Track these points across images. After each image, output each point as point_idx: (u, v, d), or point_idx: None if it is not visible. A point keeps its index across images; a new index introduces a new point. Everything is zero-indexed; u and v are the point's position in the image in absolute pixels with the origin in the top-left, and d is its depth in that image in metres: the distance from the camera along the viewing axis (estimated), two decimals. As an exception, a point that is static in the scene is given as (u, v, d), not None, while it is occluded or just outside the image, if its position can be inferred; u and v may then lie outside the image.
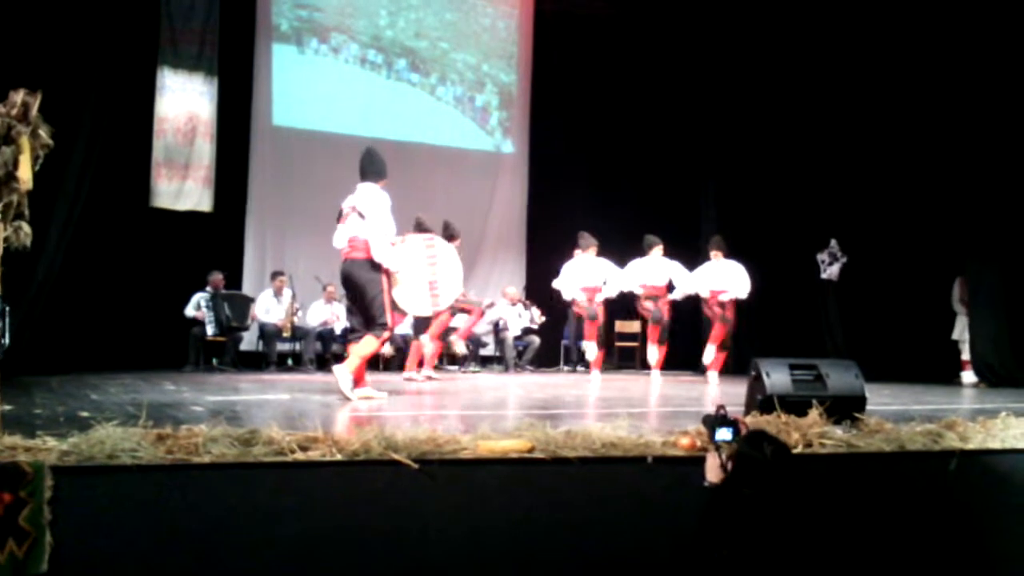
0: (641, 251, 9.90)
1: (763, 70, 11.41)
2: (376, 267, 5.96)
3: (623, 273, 9.80)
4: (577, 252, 9.96)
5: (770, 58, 11.34)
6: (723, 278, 9.63)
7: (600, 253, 9.90)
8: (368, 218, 5.95)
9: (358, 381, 5.97)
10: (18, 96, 3.19)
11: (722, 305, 9.58)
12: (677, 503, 3.04)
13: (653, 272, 9.79)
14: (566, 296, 9.89)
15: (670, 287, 9.85)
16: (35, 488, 2.40)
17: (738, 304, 9.76)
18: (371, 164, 6.23)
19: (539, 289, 11.63)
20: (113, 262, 9.58)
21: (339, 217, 6.18)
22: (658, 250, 9.79)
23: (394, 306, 6.14)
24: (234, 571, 2.57)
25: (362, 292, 5.98)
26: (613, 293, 9.88)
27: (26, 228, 3.25)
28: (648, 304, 9.75)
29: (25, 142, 3.14)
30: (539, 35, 13.05)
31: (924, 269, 10.49)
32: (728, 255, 9.73)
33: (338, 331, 10.34)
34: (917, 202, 10.42)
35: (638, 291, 9.79)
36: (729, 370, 9.82)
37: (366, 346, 5.94)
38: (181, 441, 2.75)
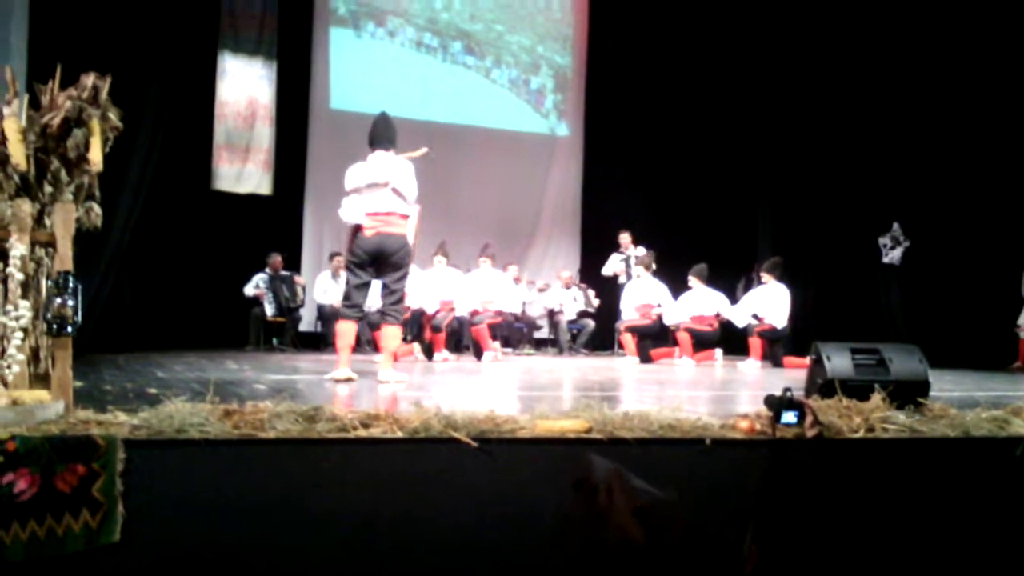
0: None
1: (825, 52, 11.20)
2: (408, 246, 5.79)
3: (675, 305, 9.98)
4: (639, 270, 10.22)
5: (833, 40, 11.12)
6: (764, 306, 9.60)
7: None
8: (408, 194, 5.79)
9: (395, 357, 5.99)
10: (89, 79, 3.25)
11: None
12: (735, 486, 3.03)
13: (701, 303, 9.91)
14: (625, 318, 10.07)
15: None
16: (108, 460, 2.46)
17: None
18: (388, 130, 6.02)
19: (594, 272, 11.59)
20: (176, 243, 9.81)
21: (358, 188, 5.93)
22: (698, 280, 9.93)
23: None
24: (298, 544, 2.62)
25: (395, 270, 5.77)
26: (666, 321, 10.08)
27: (97, 209, 3.33)
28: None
29: (95, 124, 3.21)
30: (595, 17, 12.97)
31: (988, 255, 10.23)
32: (780, 278, 9.63)
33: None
34: (983, 185, 10.17)
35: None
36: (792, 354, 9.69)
37: (393, 340, 5.81)
38: (247, 417, 2.80)
